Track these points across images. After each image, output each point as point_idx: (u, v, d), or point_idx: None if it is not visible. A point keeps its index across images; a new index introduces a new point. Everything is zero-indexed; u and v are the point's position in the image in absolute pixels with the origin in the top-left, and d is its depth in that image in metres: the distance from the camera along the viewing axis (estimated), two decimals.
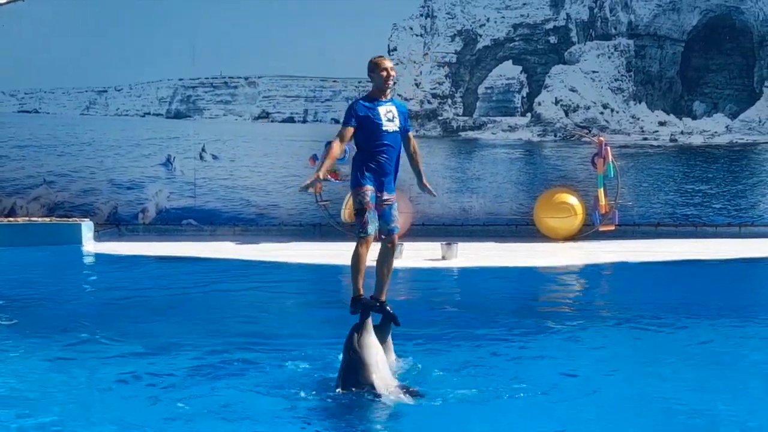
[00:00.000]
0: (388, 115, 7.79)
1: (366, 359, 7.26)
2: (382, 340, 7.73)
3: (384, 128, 7.76)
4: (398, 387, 7.29)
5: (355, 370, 7.26)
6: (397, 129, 7.81)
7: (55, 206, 17.14)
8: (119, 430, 6.68)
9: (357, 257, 7.71)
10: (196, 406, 7.13)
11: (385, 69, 7.83)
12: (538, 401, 7.27)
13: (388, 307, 7.89)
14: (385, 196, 7.82)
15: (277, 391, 7.43)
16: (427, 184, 8.27)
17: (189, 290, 12.08)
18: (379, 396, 7.10)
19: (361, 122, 7.78)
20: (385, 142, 7.76)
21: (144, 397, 7.37)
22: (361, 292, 7.72)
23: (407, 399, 7.13)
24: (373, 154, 7.80)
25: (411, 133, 8.10)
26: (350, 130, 7.83)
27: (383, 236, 7.93)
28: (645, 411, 7.16)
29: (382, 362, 7.34)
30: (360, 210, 7.80)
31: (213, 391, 7.49)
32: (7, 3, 17.12)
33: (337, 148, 7.86)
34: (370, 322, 7.51)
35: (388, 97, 7.89)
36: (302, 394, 7.31)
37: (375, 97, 7.86)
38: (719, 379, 7.92)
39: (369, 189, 7.77)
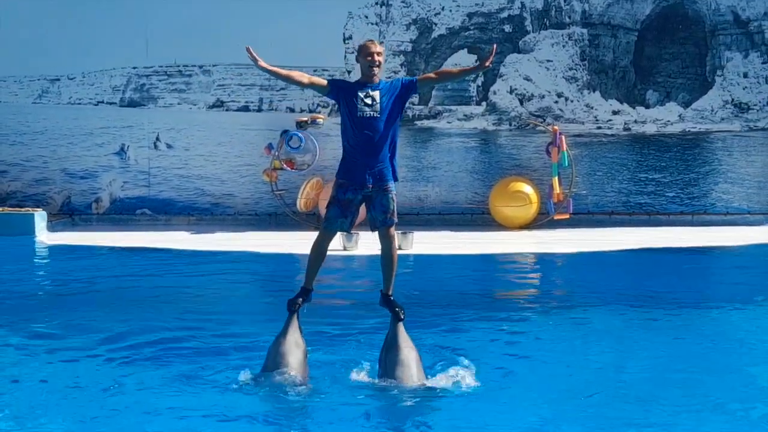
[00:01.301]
0: (366, 100, 7.39)
1: (271, 347, 7.34)
2: (393, 336, 7.52)
3: (359, 113, 7.38)
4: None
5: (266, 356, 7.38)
6: (378, 114, 7.38)
7: (8, 196, 16.97)
8: (65, 425, 6.64)
9: (313, 246, 7.57)
10: (140, 399, 7.08)
11: (371, 54, 7.45)
12: (491, 387, 7.30)
13: (391, 301, 7.66)
14: (370, 186, 7.53)
15: (214, 382, 7.41)
16: (484, 60, 7.59)
17: (142, 281, 11.98)
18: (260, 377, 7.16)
19: (338, 92, 7.48)
20: (363, 129, 7.39)
21: (90, 392, 7.30)
22: (308, 284, 7.52)
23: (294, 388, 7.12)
24: (350, 141, 7.49)
25: (419, 76, 7.76)
26: (322, 81, 7.55)
27: (374, 228, 7.68)
28: (605, 396, 7.22)
29: (282, 353, 7.27)
30: (329, 202, 7.62)
31: (160, 383, 7.44)
32: None
33: (298, 74, 7.48)
34: (290, 319, 7.40)
35: (375, 81, 7.49)
36: (237, 385, 7.28)
37: (360, 81, 7.54)
38: (675, 366, 8.00)
39: (340, 183, 7.53)
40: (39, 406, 6.94)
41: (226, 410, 6.81)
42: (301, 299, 7.51)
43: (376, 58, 7.48)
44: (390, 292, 7.73)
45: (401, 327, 7.60)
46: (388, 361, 7.43)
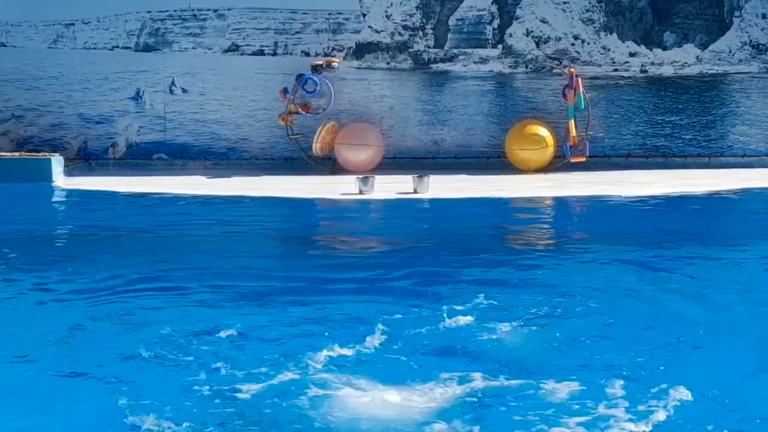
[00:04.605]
0: None
1: None
2: None
3: None
4: None
5: None
6: None
7: (24, 141, 17.01)
8: (73, 368, 6.72)
9: None
10: (152, 346, 7.13)
11: None
12: (513, 329, 7.33)
13: None
14: None
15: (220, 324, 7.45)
16: None
17: (157, 226, 12.05)
18: None
19: None
20: None
21: (100, 334, 7.36)
22: None
23: None
24: None
25: None
26: None
27: None
28: (621, 338, 7.27)
29: None
30: None
31: (172, 330, 7.48)
32: None
33: None
34: None
35: None
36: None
37: None
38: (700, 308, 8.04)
39: None
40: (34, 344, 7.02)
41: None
42: None
43: None
44: None
45: None
46: None
